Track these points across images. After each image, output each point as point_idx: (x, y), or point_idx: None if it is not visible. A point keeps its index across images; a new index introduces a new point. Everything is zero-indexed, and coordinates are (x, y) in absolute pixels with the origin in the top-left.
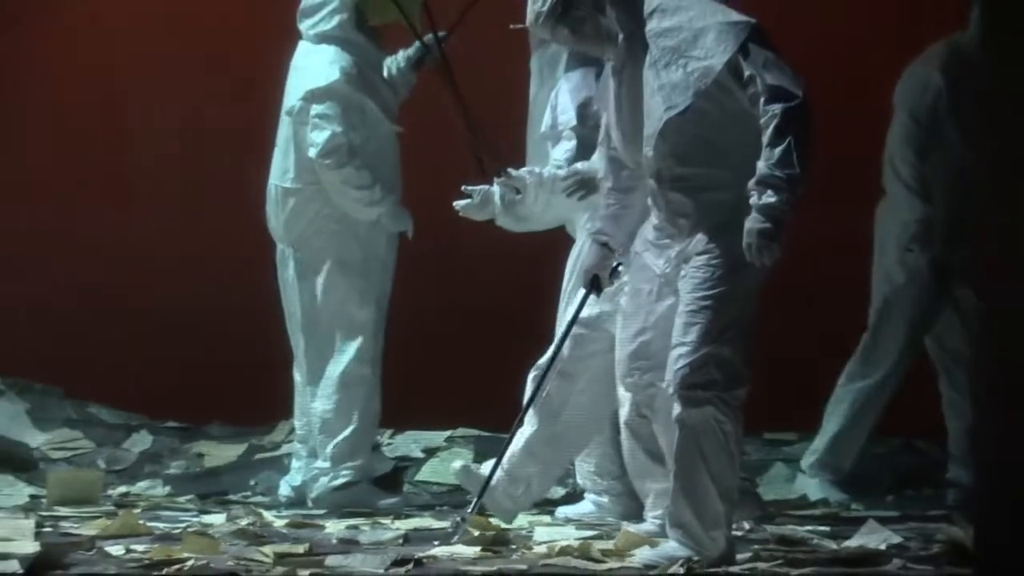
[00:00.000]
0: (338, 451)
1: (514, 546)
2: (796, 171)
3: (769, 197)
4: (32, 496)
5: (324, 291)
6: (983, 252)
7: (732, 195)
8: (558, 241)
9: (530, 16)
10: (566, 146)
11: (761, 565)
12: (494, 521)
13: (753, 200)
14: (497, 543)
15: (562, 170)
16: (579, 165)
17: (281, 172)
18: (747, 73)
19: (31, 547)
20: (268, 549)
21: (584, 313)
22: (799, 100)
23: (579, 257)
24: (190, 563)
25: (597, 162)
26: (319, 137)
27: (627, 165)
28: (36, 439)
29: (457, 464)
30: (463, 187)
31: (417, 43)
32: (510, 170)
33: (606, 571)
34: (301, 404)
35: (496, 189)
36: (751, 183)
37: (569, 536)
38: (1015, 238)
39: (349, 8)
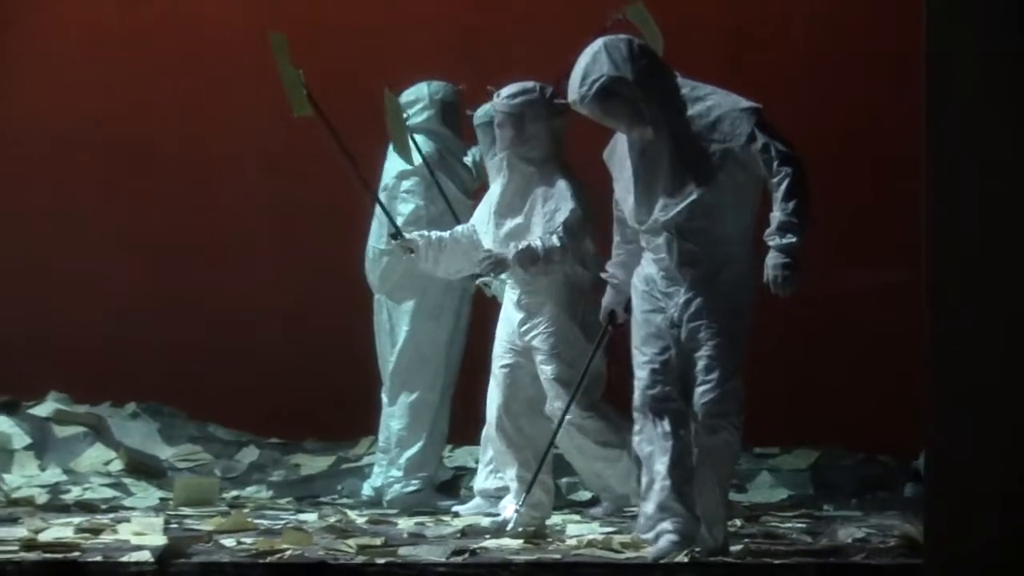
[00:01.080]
0: (409, 463)
1: (550, 539)
2: (806, 218)
3: (789, 238)
4: (161, 499)
5: (407, 333)
6: (930, 261)
7: (731, 248)
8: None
9: (573, 96)
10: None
11: (750, 555)
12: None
13: (774, 242)
14: (536, 537)
15: (446, 233)
16: (458, 229)
17: (377, 236)
18: (761, 143)
19: (160, 540)
20: (352, 542)
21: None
22: (801, 165)
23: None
24: (288, 553)
25: (471, 226)
26: (405, 208)
27: (630, 224)
28: (165, 452)
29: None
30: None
31: None
32: (404, 234)
33: (624, 559)
34: (384, 422)
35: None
36: (771, 228)
37: (594, 531)
38: (961, 246)
39: (436, 106)
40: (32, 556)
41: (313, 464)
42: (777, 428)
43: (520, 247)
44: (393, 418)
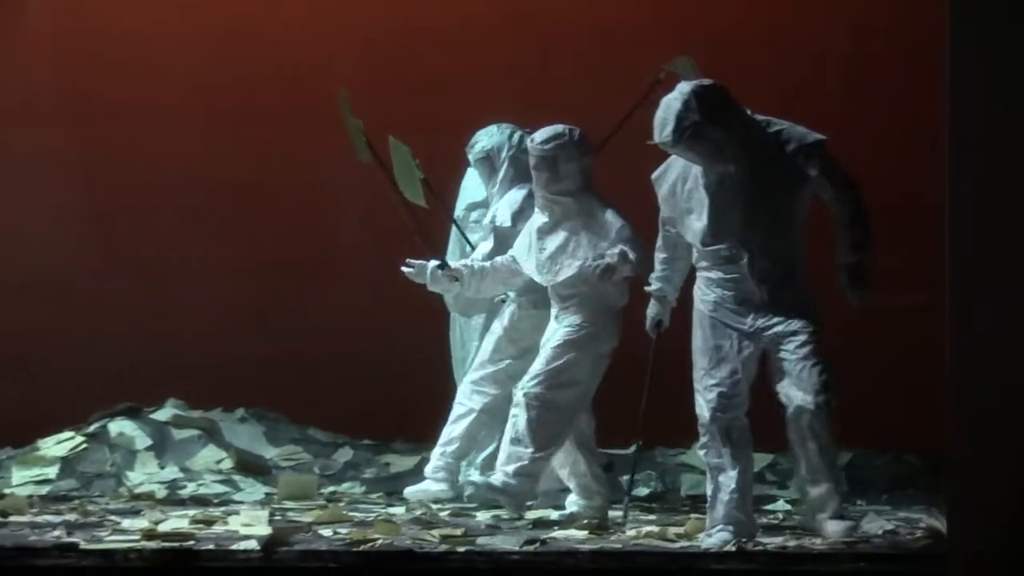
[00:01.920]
0: (484, 463)
1: (611, 530)
2: (870, 240)
3: (859, 257)
4: (266, 494)
5: (478, 347)
6: (952, 263)
7: (795, 264)
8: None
9: (664, 139)
10: (489, 242)
11: (791, 543)
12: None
13: (849, 259)
14: (599, 528)
15: (487, 262)
16: (498, 259)
17: (453, 259)
18: (829, 173)
19: (265, 530)
20: (435, 532)
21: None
22: (861, 193)
23: (507, 316)
24: (379, 542)
25: (509, 257)
26: (473, 237)
27: (677, 243)
28: (269, 452)
29: None
30: (407, 260)
31: None
32: (449, 263)
33: (679, 548)
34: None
35: (429, 265)
36: (844, 249)
37: (651, 523)
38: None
39: (505, 139)
40: (152, 544)
41: (401, 463)
42: None
43: (615, 251)
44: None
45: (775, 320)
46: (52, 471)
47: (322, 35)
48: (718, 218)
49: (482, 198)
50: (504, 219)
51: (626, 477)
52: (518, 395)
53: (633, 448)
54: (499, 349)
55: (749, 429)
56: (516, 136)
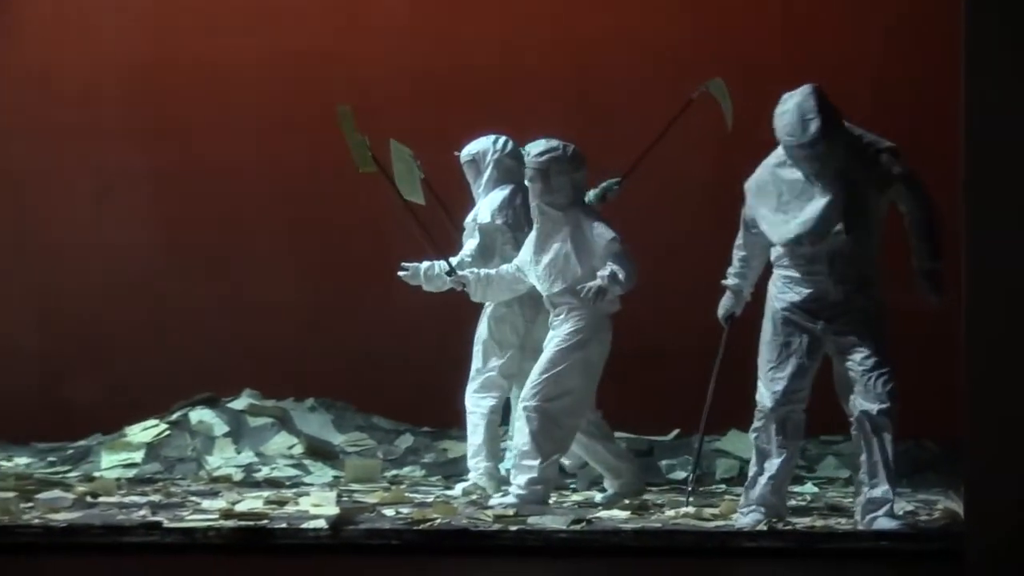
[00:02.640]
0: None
1: (651, 511)
2: (943, 245)
3: (936, 262)
4: (334, 477)
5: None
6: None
7: (871, 268)
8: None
9: (807, 134)
10: (473, 242)
11: (818, 523)
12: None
13: (928, 265)
14: (641, 509)
15: (493, 271)
16: (503, 268)
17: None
18: (910, 181)
19: (333, 510)
20: (489, 512)
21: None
22: (933, 200)
23: (485, 324)
24: (437, 521)
25: (514, 266)
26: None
27: (757, 243)
28: (337, 439)
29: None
30: (401, 263)
31: (604, 183)
32: (457, 272)
33: (713, 527)
34: (514, 416)
35: (421, 267)
36: (922, 255)
37: (688, 503)
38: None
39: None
40: (229, 523)
41: (458, 448)
42: (840, 419)
43: (605, 273)
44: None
45: (845, 328)
46: (138, 456)
47: (382, 46)
48: (814, 220)
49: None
50: (485, 216)
51: (665, 461)
52: (519, 408)
53: (696, 438)
54: (487, 355)
55: (803, 423)
56: (500, 142)
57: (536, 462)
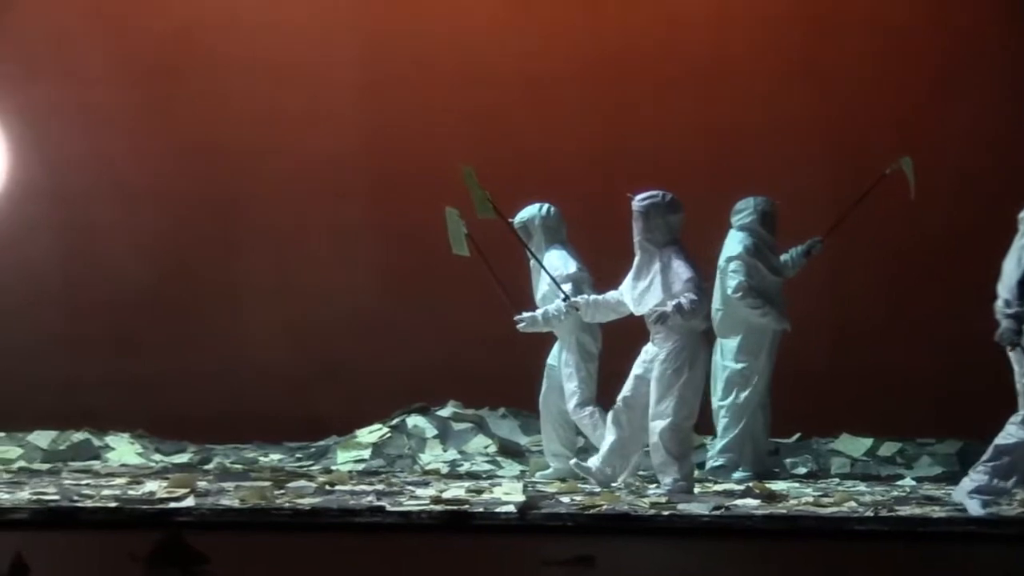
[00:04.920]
0: (723, 447)
1: (778, 500)
2: None
3: None
4: (521, 471)
5: (732, 362)
6: None
7: None
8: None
9: None
10: (569, 286)
11: (916, 511)
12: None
13: None
14: (770, 497)
15: (600, 296)
16: (609, 294)
17: (719, 300)
18: None
19: (520, 498)
20: (646, 500)
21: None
22: None
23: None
24: (604, 507)
25: (619, 291)
26: (732, 281)
27: None
28: (523, 440)
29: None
30: (515, 316)
31: (810, 241)
32: (571, 299)
33: (829, 513)
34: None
35: (537, 315)
36: None
37: (808, 494)
38: None
39: (757, 213)
40: (438, 507)
41: None
42: (935, 423)
43: (674, 304)
44: (718, 418)
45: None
46: (366, 453)
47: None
48: None
49: (736, 253)
50: (568, 270)
51: (789, 459)
52: (652, 434)
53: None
54: (584, 376)
55: None
56: (544, 208)
57: (676, 466)
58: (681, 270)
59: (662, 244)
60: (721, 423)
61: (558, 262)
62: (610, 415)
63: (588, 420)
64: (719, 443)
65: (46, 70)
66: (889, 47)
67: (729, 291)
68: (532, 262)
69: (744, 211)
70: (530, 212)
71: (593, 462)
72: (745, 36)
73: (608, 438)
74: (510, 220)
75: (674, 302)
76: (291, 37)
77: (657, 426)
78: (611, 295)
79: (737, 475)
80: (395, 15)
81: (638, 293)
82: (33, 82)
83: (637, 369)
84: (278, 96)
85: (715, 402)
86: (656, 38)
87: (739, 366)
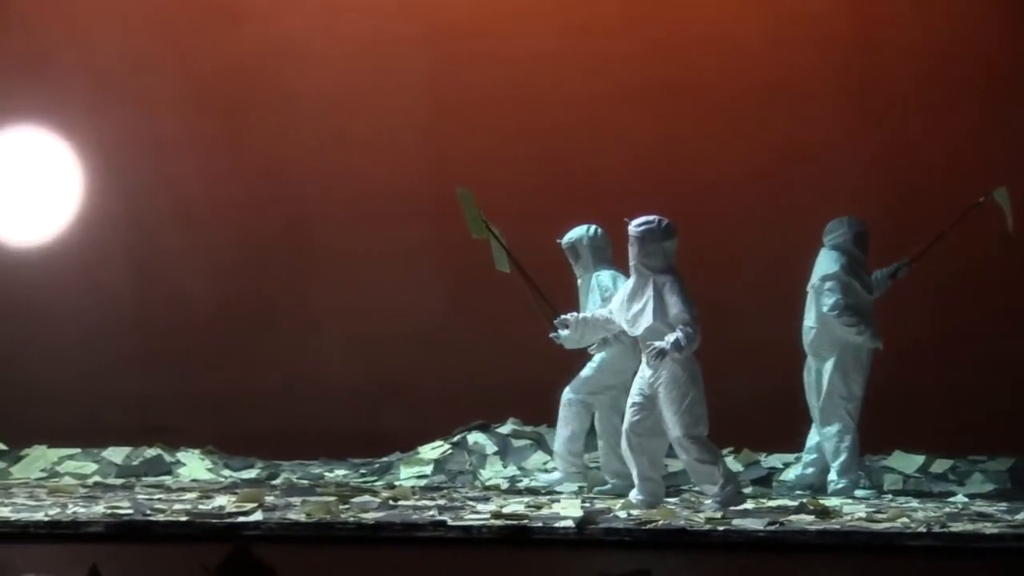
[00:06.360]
0: (839, 469)
1: (832, 516)
2: None
3: None
4: (579, 486)
5: (828, 382)
6: None
7: None
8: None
9: None
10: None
11: (968, 526)
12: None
13: None
14: (823, 513)
15: (589, 314)
16: (598, 311)
17: (810, 317)
18: None
19: (578, 512)
20: (702, 515)
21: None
22: None
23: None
24: (660, 522)
25: (608, 310)
26: (829, 300)
27: None
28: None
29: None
30: (555, 341)
31: (897, 263)
32: (562, 316)
33: (882, 528)
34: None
35: (571, 334)
36: None
37: (861, 510)
38: None
39: (851, 233)
40: (498, 522)
41: (676, 463)
42: (987, 441)
43: (671, 339)
44: (825, 440)
45: None
46: (428, 469)
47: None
48: None
49: (832, 272)
50: (611, 290)
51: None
52: (681, 456)
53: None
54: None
55: None
56: (592, 229)
57: (715, 471)
58: (673, 300)
59: (657, 270)
60: (829, 445)
61: (608, 281)
62: (625, 447)
63: None
64: (835, 466)
65: (121, 100)
66: (939, 71)
67: (825, 309)
68: (580, 283)
69: (838, 231)
70: (578, 233)
71: (634, 495)
72: (797, 58)
73: (634, 469)
74: (501, 238)
75: (672, 338)
76: (356, 65)
77: (679, 445)
78: (600, 313)
79: (860, 492)
80: (457, 43)
81: (631, 315)
82: (108, 112)
83: (635, 396)
84: (344, 123)
85: (815, 423)
86: (710, 61)
87: (834, 385)
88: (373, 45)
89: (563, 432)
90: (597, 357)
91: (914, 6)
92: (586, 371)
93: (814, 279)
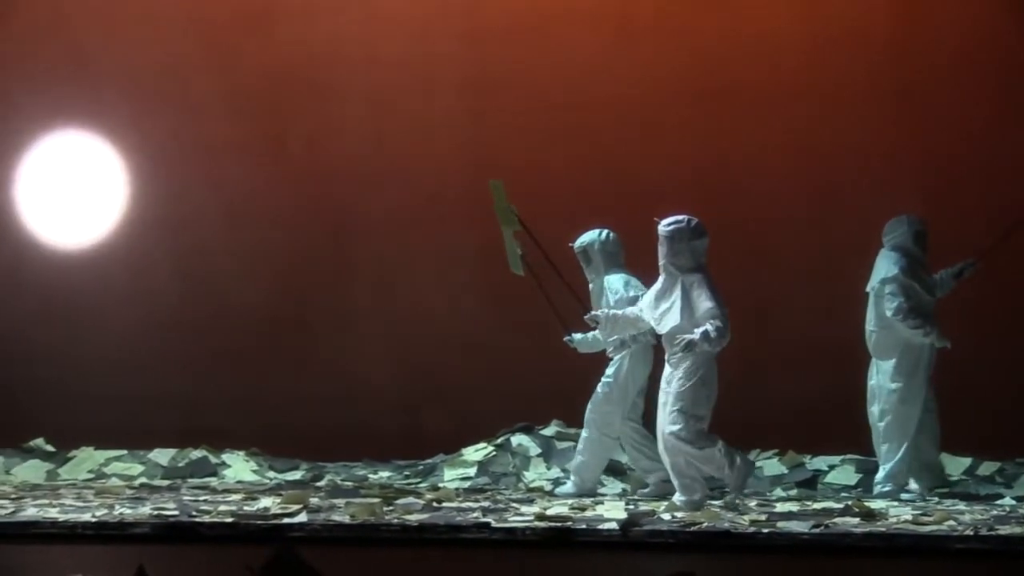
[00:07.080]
0: (890, 471)
1: (877, 518)
2: None
3: None
4: (623, 488)
5: (891, 383)
6: None
7: None
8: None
9: None
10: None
11: (1016, 530)
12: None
13: None
14: (868, 516)
15: (620, 311)
16: (629, 309)
17: (871, 322)
18: None
19: (622, 514)
20: (746, 517)
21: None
22: None
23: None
24: (704, 524)
25: (638, 308)
26: (891, 303)
27: None
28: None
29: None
30: (572, 346)
31: (963, 263)
32: (592, 312)
33: (928, 531)
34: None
35: (598, 335)
36: None
37: (907, 512)
38: None
39: (911, 232)
40: (542, 524)
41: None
42: None
43: (700, 332)
44: (879, 440)
45: None
46: (472, 471)
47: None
48: None
49: (892, 274)
50: (627, 291)
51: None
52: (662, 448)
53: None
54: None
55: None
56: (603, 233)
57: (716, 455)
58: (703, 298)
59: (686, 269)
60: (883, 447)
61: (618, 284)
62: (661, 447)
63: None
64: (884, 467)
65: (163, 103)
66: (982, 70)
67: (889, 313)
68: (591, 285)
69: (897, 231)
70: (590, 237)
71: (678, 498)
72: (840, 58)
73: (673, 473)
74: (532, 234)
75: (701, 330)
76: (396, 69)
77: (668, 438)
78: (630, 311)
79: (905, 496)
80: (497, 46)
81: (659, 314)
82: (151, 115)
83: (663, 397)
84: (384, 126)
85: (875, 424)
86: (753, 62)
87: (896, 386)
88: (413, 51)
89: (578, 457)
90: (610, 369)
91: (951, 7)
92: (601, 387)
93: (874, 281)
